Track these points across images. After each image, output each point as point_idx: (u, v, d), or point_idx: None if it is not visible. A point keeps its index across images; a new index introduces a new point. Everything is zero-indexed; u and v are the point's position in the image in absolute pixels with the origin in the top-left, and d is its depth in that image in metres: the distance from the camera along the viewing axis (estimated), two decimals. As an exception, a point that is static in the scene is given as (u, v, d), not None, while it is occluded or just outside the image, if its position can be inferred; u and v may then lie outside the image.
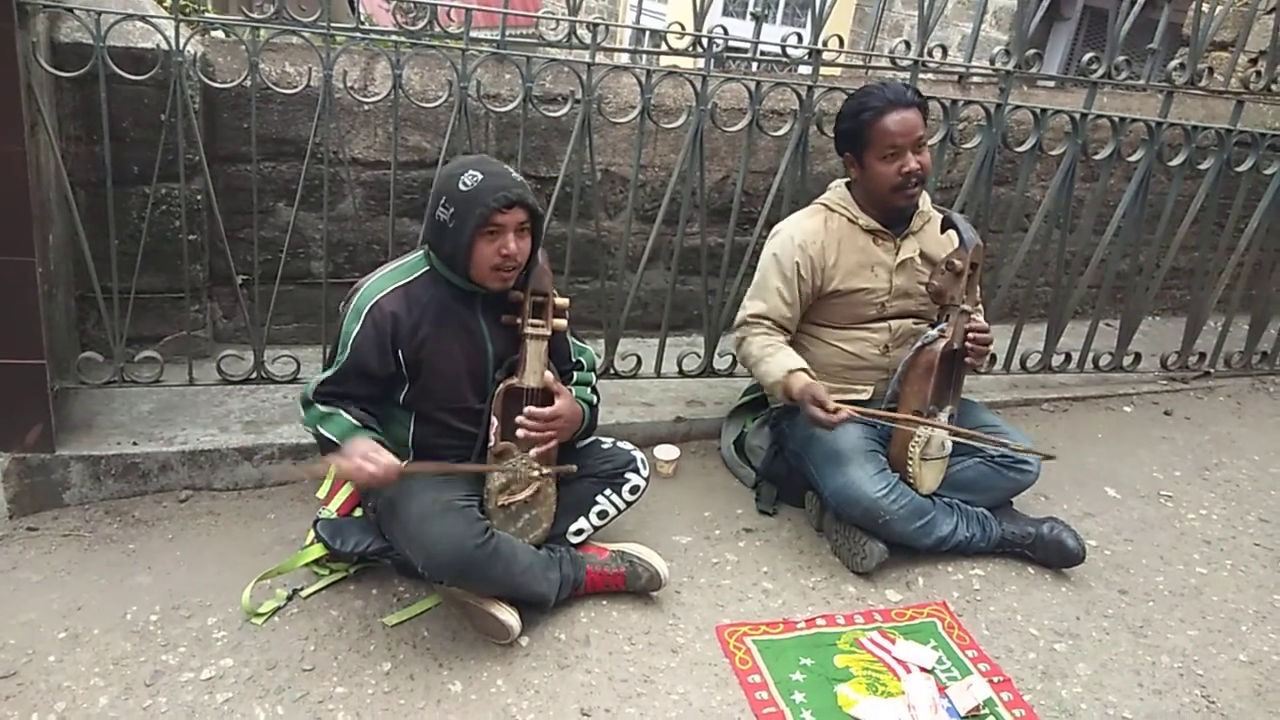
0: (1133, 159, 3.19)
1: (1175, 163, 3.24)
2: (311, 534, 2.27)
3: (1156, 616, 2.42)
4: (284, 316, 2.96)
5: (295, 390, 2.69)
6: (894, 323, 2.53)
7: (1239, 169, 3.34)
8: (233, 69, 2.62)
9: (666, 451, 2.79)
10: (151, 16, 2.17)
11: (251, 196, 2.54)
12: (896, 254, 2.50)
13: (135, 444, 2.41)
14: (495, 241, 1.96)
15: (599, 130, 2.84)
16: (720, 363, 3.03)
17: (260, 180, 2.73)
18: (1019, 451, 2.51)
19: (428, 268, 2.07)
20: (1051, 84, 4.06)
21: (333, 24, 2.30)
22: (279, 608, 2.14)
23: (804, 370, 2.41)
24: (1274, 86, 3.25)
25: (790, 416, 2.61)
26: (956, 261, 2.44)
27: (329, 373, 2.03)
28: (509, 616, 2.05)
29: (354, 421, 1.99)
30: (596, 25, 2.43)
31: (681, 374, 2.98)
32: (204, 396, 2.65)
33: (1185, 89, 3.16)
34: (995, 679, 2.14)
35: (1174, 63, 3.14)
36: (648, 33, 2.78)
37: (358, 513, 2.30)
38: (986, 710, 2.05)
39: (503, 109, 2.55)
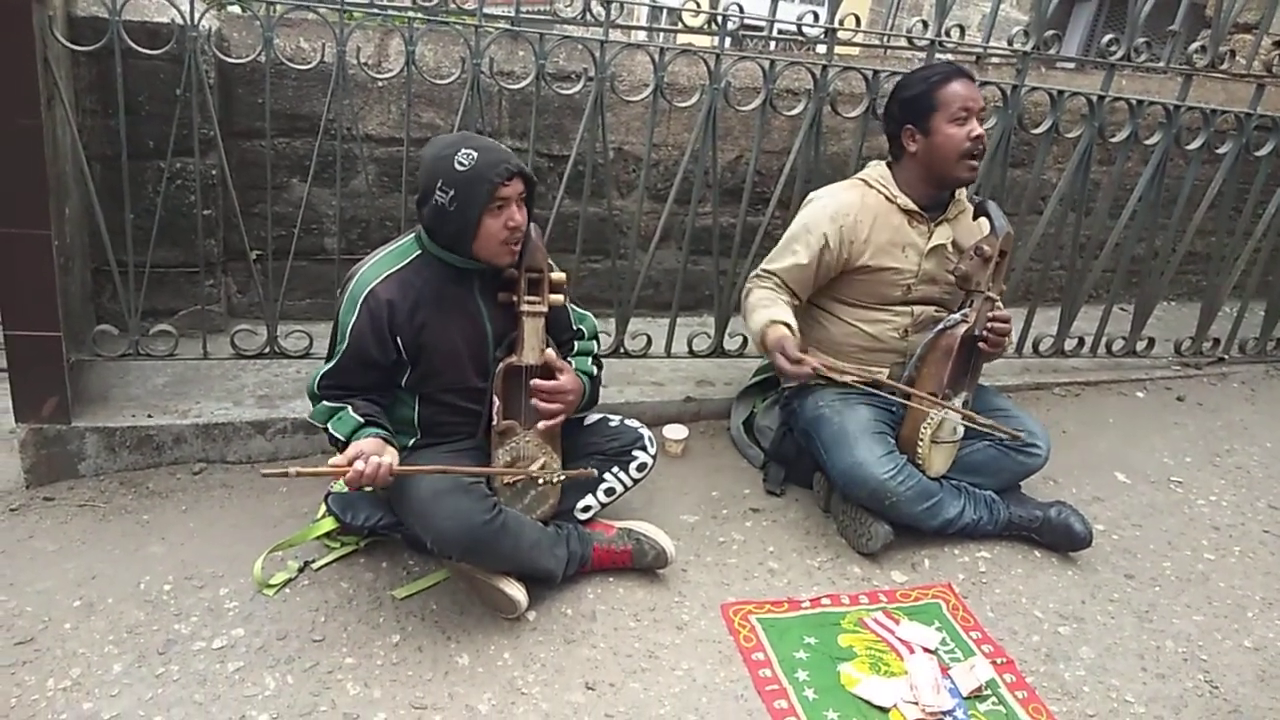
0: (1150, 142, 3.16)
1: (1193, 146, 3.21)
2: (323, 508, 2.30)
3: (1162, 601, 2.42)
4: (297, 292, 2.98)
5: (309, 365, 2.72)
6: (917, 308, 2.52)
7: (1258, 153, 3.30)
8: (247, 44, 2.62)
9: (675, 431, 2.80)
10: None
11: (265, 172, 2.55)
12: (929, 238, 2.49)
13: (150, 416, 2.44)
14: (501, 215, 1.97)
15: (612, 108, 2.83)
16: (730, 343, 3.03)
17: (274, 156, 2.76)
18: (1001, 433, 2.49)
19: (419, 251, 2.07)
20: (1070, 66, 4.03)
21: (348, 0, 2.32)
22: (290, 579, 2.17)
23: (786, 325, 2.39)
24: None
25: (801, 396, 2.62)
26: (986, 247, 2.44)
27: (330, 365, 2.04)
28: (517, 591, 2.08)
29: (359, 419, 1.99)
30: (611, 2, 2.42)
31: (692, 354, 2.99)
32: (218, 371, 2.68)
33: (1206, 72, 3.13)
34: (998, 660, 2.16)
35: (1194, 45, 3.10)
36: (665, 10, 2.73)
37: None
38: (989, 691, 2.06)
39: (515, 86, 2.54)
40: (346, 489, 2.24)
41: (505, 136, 2.99)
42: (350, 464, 1.85)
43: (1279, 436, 3.32)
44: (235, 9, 2.80)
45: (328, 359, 2.06)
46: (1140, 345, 3.61)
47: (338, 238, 2.84)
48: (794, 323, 2.40)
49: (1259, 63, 3.27)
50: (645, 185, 2.82)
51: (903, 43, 2.91)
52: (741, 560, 2.41)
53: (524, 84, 2.53)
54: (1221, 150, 3.26)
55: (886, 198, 2.49)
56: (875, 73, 2.73)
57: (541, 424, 2.11)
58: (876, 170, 2.55)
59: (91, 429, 2.37)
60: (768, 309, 2.43)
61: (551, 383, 2.09)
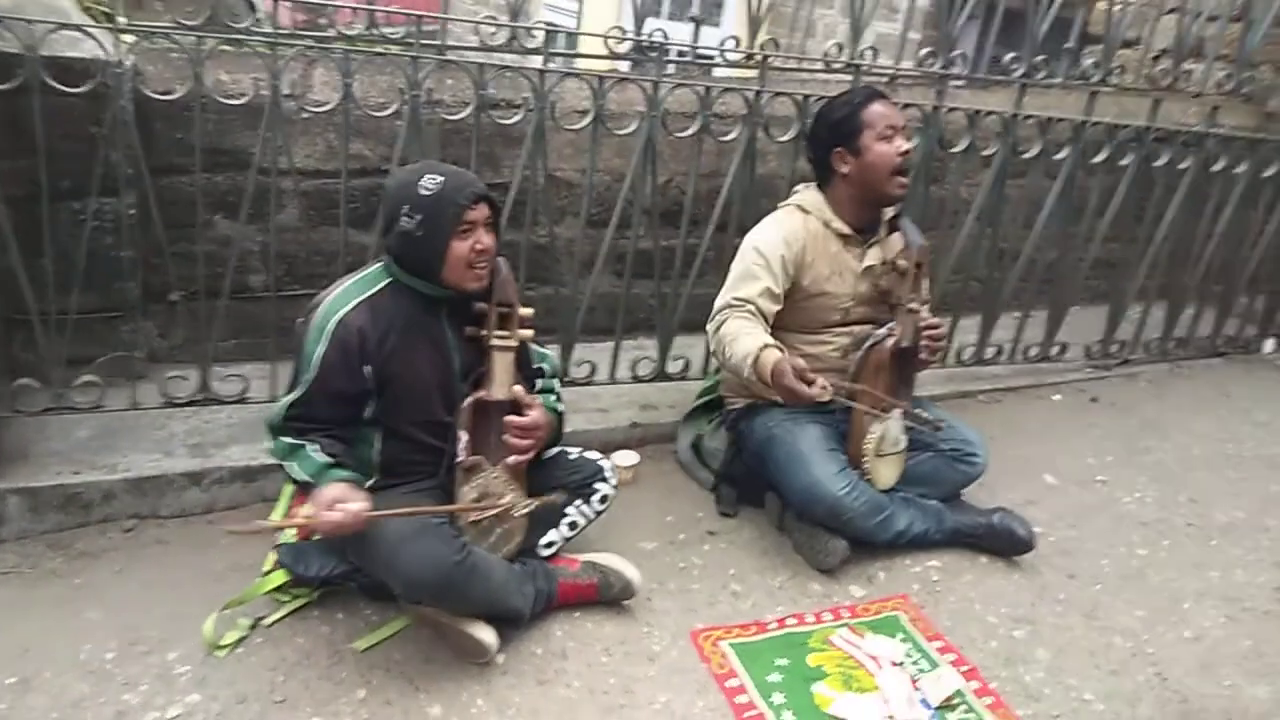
0: (1058, 157, 3.31)
1: (1097, 160, 3.37)
2: (271, 560, 2.20)
3: (1105, 599, 2.52)
4: (221, 333, 2.85)
5: (241, 410, 2.61)
6: (855, 327, 2.57)
7: (1155, 164, 3.49)
8: (164, 78, 2.51)
9: (626, 457, 2.78)
10: (89, 27, 2.07)
11: (186, 210, 2.45)
12: (862, 259, 2.54)
13: (76, 473, 2.30)
14: (469, 239, 1.95)
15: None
16: (673, 366, 3.04)
17: (195, 192, 2.64)
18: (924, 426, 2.56)
19: (389, 279, 2.03)
20: (961, 83, 4.18)
21: (279, 30, 2.25)
22: (242, 638, 2.07)
23: (778, 348, 2.37)
24: (1178, 84, 3.43)
25: (749, 418, 2.63)
26: (902, 262, 2.51)
27: (294, 396, 1.97)
28: (487, 634, 2.03)
29: (325, 460, 1.93)
30: (551, 32, 2.40)
31: (635, 379, 2.98)
32: (145, 420, 2.54)
33: (1104, 88, 3.29)
34: (962, 668, 2.20)
35: (1088, 61, 3.27)
36: (604, 37, 2.72)
37: (317, 535, 2.23)
38: (958, 700, 2.10)
39: (454, 116, 2.50)
40: (295, 538, 2.19)
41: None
42: (319, 513, 1.77)
43: (1188, 431, 3.50)
44: (147, 41, 2.66)
45: (290, 389, 1.99)
46: (1054, 350, 3.76)
47: (265, 274, 2.74)
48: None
49: (1143, 77, 3.45)
50: (586, 211, 2.81)
51: (823, 65, 2.98)
52: (704, 585, 2.41)
53: (464, 114, 2.49)
54: (1124, 162, 3.43)
55: (824, 223, 2.53)
56: (806, 97, 2.78)
57: (511, 459, 2.06)
58: (811, 196, 2.58)
59: (12, 490, 2.22)
60: (751, 336, 2.38)
61: (527, 418, 2.05)
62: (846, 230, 2.53)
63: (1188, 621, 2.46)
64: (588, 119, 2.58)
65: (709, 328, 2.57)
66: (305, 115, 2.65)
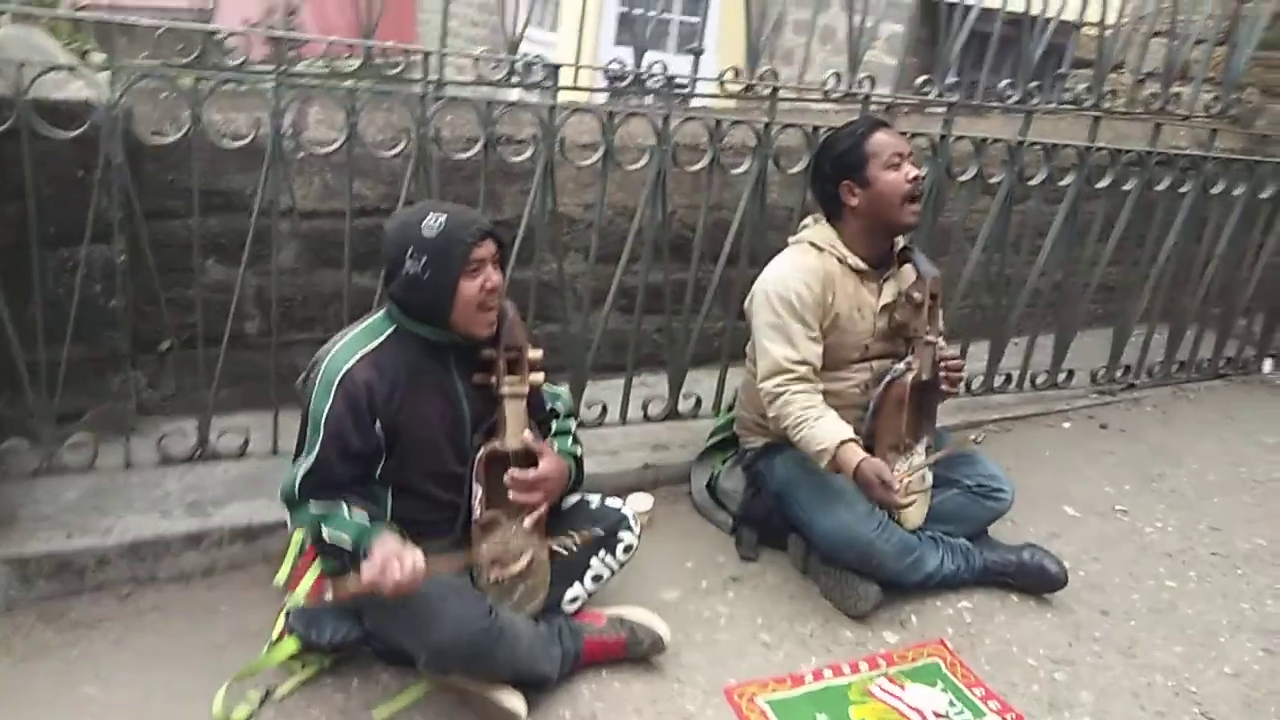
0: (1063, 183, 3.28)
1: (1102, 185, 3.35)
2: (279, 626, 2.07)
3: (1141, 635, 2.45)
4: (204, 381, 2.74)
5: (238, 466, 2.49)
6: (875, 362, 2.50)
7: (1158, 188, 3.47)
8: (152, 119, 2.41)
9: (641, 501, 2.67)
10: (82, 66, 1.96)
11: (177, 254, 2.36)
12: (879, 295, 2.47)
13: (68, 538, 2.16)
14: (477, 278, 1.87)
15: (531, 173, 2.75)
16: (684, 404, 2.95)
17: (187, 236, 2.53)
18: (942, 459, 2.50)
19: (393, 327, 1.94)
20: (941, 110, 4.14)
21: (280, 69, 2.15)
22: (252, 713, 1.94)
23: (855, 441, 2.30)
24: (1170, 107, 3.43)
25: (768, 458, 2.55)
26: (916, 294, 2.45)
27: (308, 462, 1.86)
28: (516, 702, 1.91)
29: (364, 521, 1.84)
30: (558, 67, 2.33)
31: (647, 418, 2.89)
32: (137, 478, 2.41)
33: (1105, 114, 3.27)
34: (1007, 716, 2.12)
35: (1080, 86, 3.25)
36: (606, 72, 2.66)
37: (328, 597, 2.11)
38: (1007, 752, 2.02)
39: (463, 154, 2.41)
40: (305, 602, 2.06)
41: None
42: (382, 573, 1.69)
43: (1200, 456, 3.46)
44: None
45: (299, 454, 1.90)
46: (1061, 377, 3.71)
47: (260, 320, 2.63)
48: (856, 435, 2.33)
49: (1138, 101, 3.44)
50: (585, 247, 2.73)
51: (827, 96, 2.92)
52: (733, 636, 2.31)
53: (473, 152, 2.40)
54: (1126, 187, 3.40)
55: (838, 259, 2.46)
56: (815, 128, 2.72)
57: (528, 521, 1.96)
58: (823, 232, 2.50)
59: (0, 559, 2.08)
60: (824, 423, 2.30)
61: (530, 474, 1.95)
62: (862, 266, 2.46)
63: (1226, 657, 2.40)
64: (597, 154, 2.49)
65: (765, 388, 2.39)
66: (301, 155, 2.56)
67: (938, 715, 2.10)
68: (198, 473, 2.46)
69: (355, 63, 2.34)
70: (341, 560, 1.87)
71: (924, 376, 2.42)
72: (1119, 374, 3.88)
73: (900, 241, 2.54)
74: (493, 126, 2.34)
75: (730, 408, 2.83)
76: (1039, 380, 3.67)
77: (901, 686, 2.18)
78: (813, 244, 2.48)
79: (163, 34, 2.08)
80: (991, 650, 2.35)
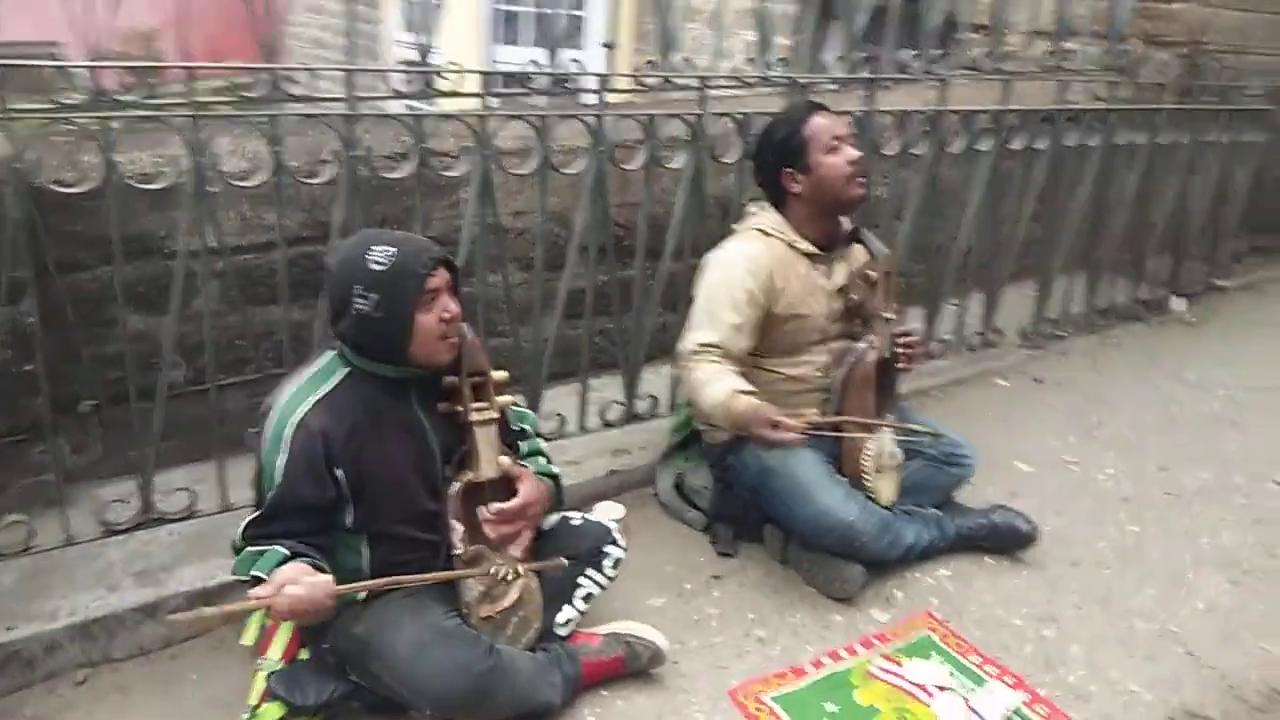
0: (981, 148, 3.33)
1: (1016, 146, 3.42)
2: (256, 691, 1.94)
3: (1114, 582, 2.51)
4: (140, 440, 2.57)
5: (183, 527, 2.33)
6: (833, 344, 2.49)
7: (1066, 144, 3.57)
8: (50, 166, 2.23)
9: (611, 510, 2.59)
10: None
11: (91, 308, 2.18)
12: (831, 276, 2.46)
13: (10, 629, 1.98)
14: (434, 308, 1.78)
15: (456, 186, 2.67)
16: (640, 405, 2.90)
17: (100, 288, 2.36)
18: (926, 433, 2.54)
19: (346, 369, 1.83)
20: (834, 87, 4.16)
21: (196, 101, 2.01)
22: (245, 787, 1.81)
23: (750, 393, 2.31)
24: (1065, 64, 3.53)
25: (738, 453, 2.51)
26: (871, 273, 2.46)
27: (258, 513, 1.76)
28: (521, 737, 1.84)
29: (284, 553, 1.73)
30: (489, 74, 2.25)
31: (606, 425, 2.83)
32: (75, 553, 2.23)
33: (1008, 76, 3.33)
34: (1007, 680, 2.14)
35: (978, 51, 3.30)
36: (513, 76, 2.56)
37: (303, 654, 2.00)
38: (1014, 716, 2.03)
39: (394, 174, 2.30)
40: (280, 663, 1.95)
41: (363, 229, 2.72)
42: (277, 592, 1.59)
43: (1133, 400, 3.58)
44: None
45: (255, 506, 1.77)
46: (993, 336, 3.79)
47: (185, 368, 2.48)
48: (755, 389, 2.30)
49: (1034, 61, 3.53)
50: (519, 257, 2.65)
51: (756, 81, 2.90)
52: (726, 636, 2.27)
53: (408, 172, 2.29)
54: (1040, 146, 3.49)
55: (788, 245, 2.44)
56: (746, 115, 2.70)
57: (515, 549, 1.89)
58: (769, 217, 2.48)
59: (-64, 662, 1.90)
60: (721, 381, 2.29)
61: (513, 504, 1.88)
62: (812, 249, 2.45)
63: (1197, 593, 2.47)
64: (533, 161, 2.42)
65: (678, 368, 2.49)
66: (214, 190, 2.40)
67: (941, 688, 2.10)
68: (140, 539, 2.29)
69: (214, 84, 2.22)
70: None
71: (885, 354, 2.42)
72: (1045, 327, 3.98)
73: (847, 222, 2.54)
74: (425, 141, 2.24)
75: (687, 404, 2.79)
76: (973, 341, 3.74)
77: (899, 664, 2.18)
78: (760, 230, 2.46)
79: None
80: (978, 616, 2.37)
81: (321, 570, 1.71)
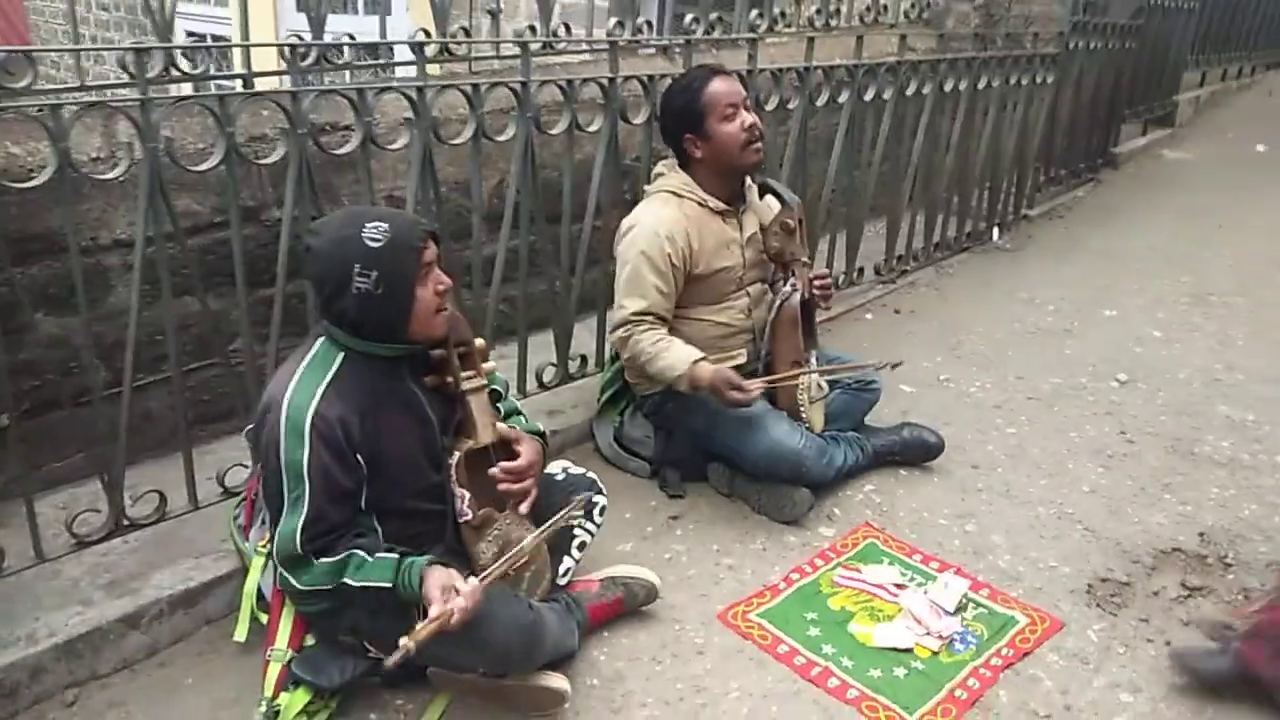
0: (840, 100, 3.59)
1: (869, 97, 3.70)
2: (270, 682, 1.92)
3: (1011, 478, 2.85)
4: (65, 450, 2.42)
5: (139, 535, 2.22)
6: (751, 289, 2.68)
7: (907, 93, 3.91)
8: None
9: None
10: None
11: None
12: (741, 229, 2.64)
13: (-11, 658, 1.86)
14: (429, 281, 1.81)
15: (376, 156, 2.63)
16: (572, 366, 2.98)
17: (8, 292, 2.19)
18: (866, 367, 2.80)
19: (341, 353, 1.83)
20: (651, 51, 4.30)
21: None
22: (282, 778, 1.81)
23: (704, 358, 2.47)
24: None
25: (678, 401, 2.65)
26: (789, 221, 2.65)
27: (300, 517, 1.73)
28: (560, 681, 1.92)
29: (388, 556, 1.75)
30: (424, 44, 2.24)
31: (543, 387, 2.90)
32: (28, 575, 2.08)
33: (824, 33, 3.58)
34: (949, 571, 2.42)
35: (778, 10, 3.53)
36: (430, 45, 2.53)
37: (309, 640, 1.99)
38: (964, 600, 2.31)
39: (339, 151, 2.25)
40: (290, 652, 1.94)
41: (271, 208, 2.64)
42: (446, 604, 1.63)
43: (981, 320, 4.00)
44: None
45: (280, 508, 1.75)
46: (855, 274, 4.11)
47: (103, 371, 2.34)
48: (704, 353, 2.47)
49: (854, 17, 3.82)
50: (480, 221, 2.64)
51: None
52: (698, 569, 2.43)
53: (351, 147, 2.25)
54: (886, 96, 3.80)
55: (698, 202, 2.59)
56: (651, 77, 2.81)
57: (524, 505, 1.96)
58: (678, 178, 2.62)
59: (-87, 705, 1.76)
60: (671, 350, 2.47)
61: (519, 462, 1.95)
62: (721, 206, 2.61)
63: (1079, 479, 2.86)
64: (468, 129, 2.43)
65: (613, 339, 2.63)
66: (121, 179, 2.26)
67: (899, 586, 2.36)
68: (96, 552, 2.18)
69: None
70: (353, 606, 1.78)
71: (806, 295, 2.63)
72: (894, 262, 4.35)
73: (748, 179, 2.72)
74: (370, 116, 2.21)
75: (614, 359, 2.90)
76: (840, 280, 4.04)
77: (859, 570, 2.41)
78: (672, 192, 2.60)
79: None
80: (908, 521, 2.64)
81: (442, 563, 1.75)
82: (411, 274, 1.77)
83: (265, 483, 1.80)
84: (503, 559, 1.83)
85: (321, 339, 1.85)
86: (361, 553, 1.73)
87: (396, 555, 1.74)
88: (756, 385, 2.43)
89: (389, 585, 1.70)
